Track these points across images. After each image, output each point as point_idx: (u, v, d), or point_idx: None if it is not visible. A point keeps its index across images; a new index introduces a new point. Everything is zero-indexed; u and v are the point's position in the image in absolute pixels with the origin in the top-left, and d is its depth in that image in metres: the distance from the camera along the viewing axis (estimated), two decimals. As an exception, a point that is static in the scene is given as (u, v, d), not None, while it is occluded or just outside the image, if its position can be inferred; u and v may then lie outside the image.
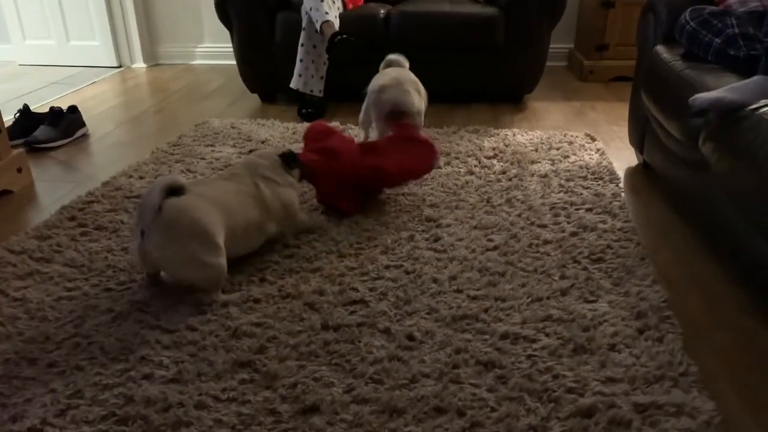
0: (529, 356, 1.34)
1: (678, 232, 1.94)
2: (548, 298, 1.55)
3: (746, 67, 1.75)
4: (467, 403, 1.22)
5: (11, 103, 3.30)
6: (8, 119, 2.74)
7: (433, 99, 3.30)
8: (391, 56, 2.56)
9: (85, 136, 2.87)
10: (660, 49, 2.13)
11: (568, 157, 2.45)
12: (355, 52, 2.84)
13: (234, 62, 3.37)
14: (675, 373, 1.28)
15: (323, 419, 1.19)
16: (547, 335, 1.41)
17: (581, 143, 2.60)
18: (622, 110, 3.13)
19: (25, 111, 2.77)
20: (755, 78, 1.59)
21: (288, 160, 1.85)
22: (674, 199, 2.12)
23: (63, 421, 1.19)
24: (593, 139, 2.65)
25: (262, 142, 2.67)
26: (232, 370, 1.32)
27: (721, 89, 1.59)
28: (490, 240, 1.83)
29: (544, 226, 1.91)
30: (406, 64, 2.57)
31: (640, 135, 2.34)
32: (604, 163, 2.39)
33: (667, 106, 1.97)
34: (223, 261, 1.56)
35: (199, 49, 4.33)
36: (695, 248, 1.84)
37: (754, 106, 1.50)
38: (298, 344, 1.40)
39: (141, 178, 2.31)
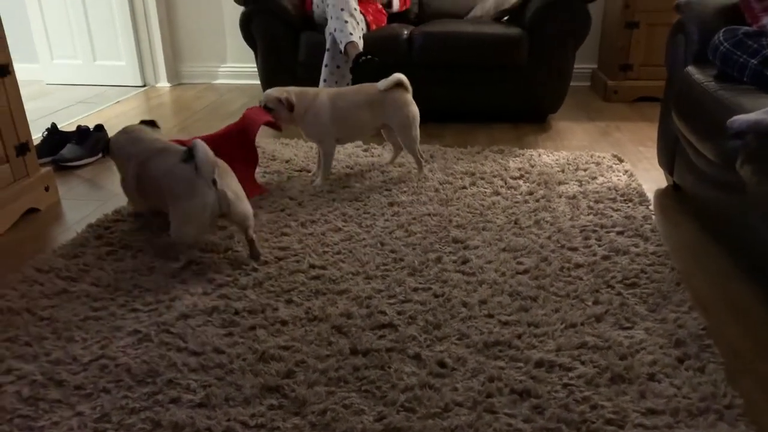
0: (565, 385, 1.30)
1: (711, 255, 1.89)
2: (582, 324, 1.51)
3: (784, 88, 1.71)
4: (503, 434, 1.18)
5: (39, 122, 3.35)
6: (36, 137, 2.77)
7: (455, 118, 3.31)
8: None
9: (110, 154, 2.89)
10: (691, 69, 2.10)
11: (595, 178, 2.42)
12: (379, 71, 2.83)
13: (256, 82, 3.40)
14: (720, 406, 1.23)
15: (354, 448, 1.15)
16: (582, 363, 1.37)
17: (608, 164, 2.56)
18: (648, 131, 3.10)
19: (52, 130, 2.80)
20: (795, 100, 1.56)
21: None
22: (707, 221, 2.08)
23: (90, 445, 1.17)
24: (620, 160, 2.61)
25: (287, 162, 2.67)
26: (261, 395, 1.30)
27: (760, 111, 1.55)
28: (520, 263, 1.80)
29: (574, 249, 1.87)
30: None
31: (670, 156, 2.30)
32: (633, 184, 2.35)
33: (700, 127, 1.93)
34: None
35: (222, 69, 4.37)
36: (730, 273, 1.79)
37: (795, 129, 1.46)
38: (326, 369, 1.37)
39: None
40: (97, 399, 1.29)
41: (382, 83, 2.35)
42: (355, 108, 2.36)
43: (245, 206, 1.81)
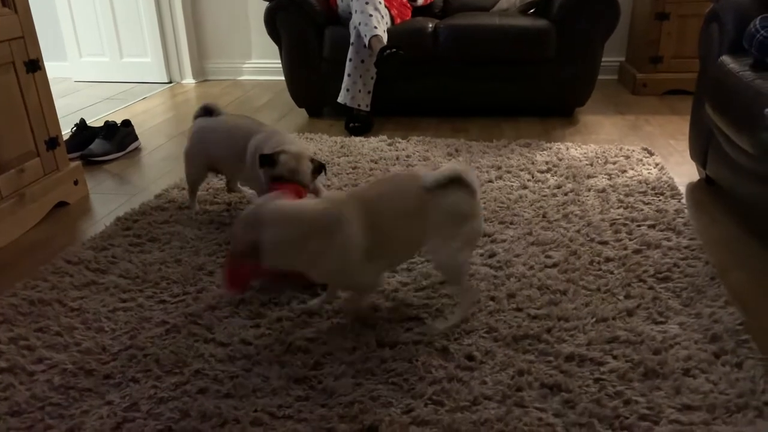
0: (596, 380, 1.27)
1: (748, 250, 1.84)
2: (614, 318, 1.47)
3: (824, 76, 1.65)
4: (533, 428, 1.15)
5: (67, 118, 3.39)
6: (65, 133, 2.81)
7: (480, 113, 3.27)
8: None
9: (137, 149, 2.93)
10: (726, 59, 2.04)
11: (625, 171, 2.37)
12: (403, 65, 2.82)
13: (281, 78, 3.41)
14: (759, 402, 1.19)
15: (382, 440, 1.14)
16: (614, 358, 1.34)
17: (638, 157, 2.51)
18: (679, 124, 3.03)
19: (81, 125, 2.84)
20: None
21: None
22: (743, 215, 2.02)
23: (119, 434, 1.18)
24: (651, 154, 2.56)
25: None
26: (288, 386, 1.29)
27: (801, 99, 1.50)
28: (549, 256, 1.77)
29: (605, 243, 1.83)
30: None
31: (703, 149, 2.24)
32: (664, 178, 2.30)
33: (735, 118, 1.88)
34: None
35: (246, 65, 4.39)
36: (767, 267, 1.74)
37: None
38: (353, 361, 1.36)
39: (193, 190, 2.33)
40: (126, 388, 1.30)
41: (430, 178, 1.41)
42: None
43: None
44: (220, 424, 1.19)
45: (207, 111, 2.08)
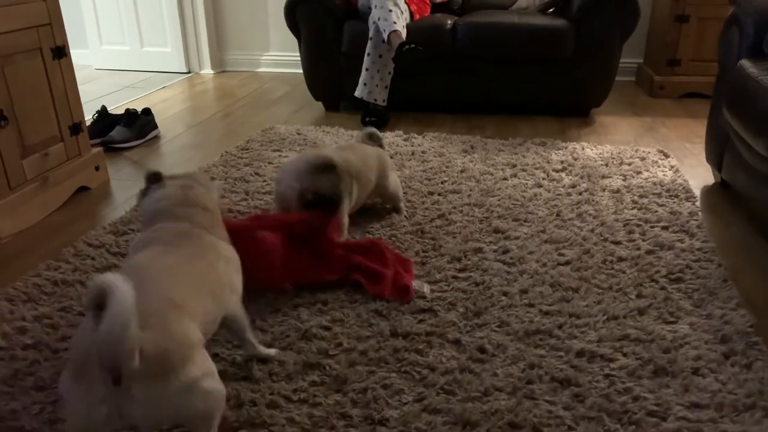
0: (606, 375, 1.29)
1: (762, 253, 1.85)
2: (625, 317, 1.49)
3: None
4: (543, 420, 1.18)
5: (88, 105, 3.43)
6: (86, 120, 2.86)
7: (497, 110, 3.29)
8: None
9: (157, 137, 2.97)
10: (745, 63, 2.04)
11: (640, 173, 2.38)
12: (421, 61, 2.84)
13: (298, 71, 3.44)
14: (767, 403, 1.21)
15: (394, 427, 1.17)
16: (624, 355, 1.36)
17: (654, 159, 2.52)
18: (695, 127, 3.03)
19: (102, 112, 2.88)
20: None
21: None
22: (758, 219, 2.02)
23: (140, 412, 1.22)
24: (666, 156, 2.56)
25: (327, 149, 2.69)
26: (303, 371, 1.32)
27: (819, 105, 1.51)
28: (562, 254, 1.79)
29: (618, 243, 1.85)
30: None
31: (719, 153, 2.25)
32: (679, 180, 2.30)
33: (753, 122, 1.88)
34: None
35: (264, 58, 4.42)
36: (781, 272, 1.75)
37: None
38: (367, 350, 1.39)
39: (212, 179, 2.36)
40: (146, 368, 1.34)
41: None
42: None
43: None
44: (237, 406, 1.22)
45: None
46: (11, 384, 1.29)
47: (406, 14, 3.08)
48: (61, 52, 2.16)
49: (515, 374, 1.30)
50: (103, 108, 2.90)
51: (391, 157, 2.58)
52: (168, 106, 3.54)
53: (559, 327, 1.45)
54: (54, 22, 2.12)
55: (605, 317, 1.49)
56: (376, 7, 2.97)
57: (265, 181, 2.35)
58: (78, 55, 4.50)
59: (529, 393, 1.25)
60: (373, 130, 2.16)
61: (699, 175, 2.43)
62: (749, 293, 1.64)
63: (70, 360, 0.95)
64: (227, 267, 1.24)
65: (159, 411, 0.94)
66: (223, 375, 1.31)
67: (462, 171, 2.42)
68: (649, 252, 1.79)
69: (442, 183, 2.32)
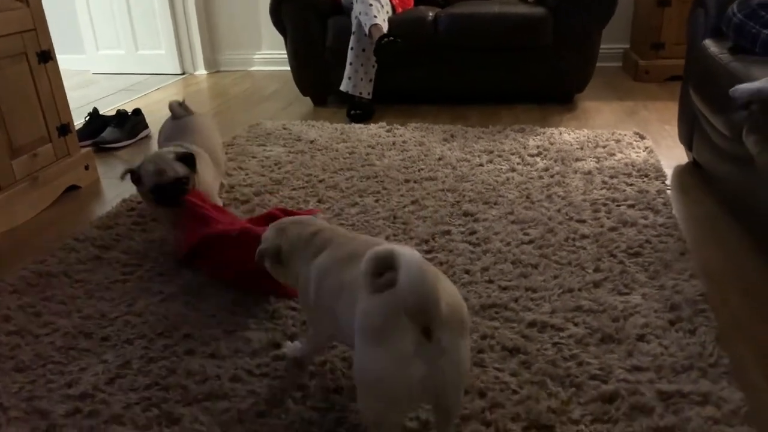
0: (555, 344, 1.35)
1: (725, 228, 1.89)
2: (580, 289, 1.55)
3: (796, 57, 1.69)
4: (489, 386, 1.24)
5: (84, 108, 3.53)
6: (80, 122, 2.96)
7: (480, 100, 3.34)
8: None
9: (147, 137, 3.06)
10: (708, 42, 2.08)
11: (614, 155, 2.42)
12: (402, 53, 2.90)
13: (288, 68, 3.50)
14: (704, 364, 1.26)
15: (348, 395, 1.24)
16: (575, 324, 1.42)
17: (629, 141, 2.56)
18: (675, 110, 3.04)
19: (94, 114, 2.98)
20: (802, 68, 1.55)
21: None
22: (722, 195, 2.07)
23: (112, 388, 1.30)
24: (642, 138, 2.61)
25: (311, 142, 2.76)
26: (268, 348, 1.40)
27: (764, 80, 1.55)
28: (526, 234, 1.84)
29: (582, 222, 1.90)
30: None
31: (689, 132, 2.29)
32: (652, 160, 2.35)
33: (713, 100, 1.93)
34: None
35: (257, 56, 4.51)
36: (741, 244, 1.79)
37: (798, 96, 1.46)
38: (330, 327, 1.45)
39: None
40: (121, 349, 1.42)
41: None
42: None
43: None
44: (203, 381, 1.30)
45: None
46: (-6, 366, 1.37)
47: (388, 8, 3.14)
48: (46, 56, 2.25)
49: (468, 345, 1.36)
50: (95, 110, 2.99)
51: (372, 148, 2.65)
52: (162, 107, 3.62)
53: (515, 300, 1.51)
54: (39, 27, 2.21)
55: (561, 290, 1.54)
56: (357, 2, 3.03)
57: (247, 174, 2.43)
58: (75, 61, 4.63)
59: (479, 361, 1.31)
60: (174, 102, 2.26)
61: (674, 156, 2.47)
62: (708, 265, 1.69)
63: (360, 331, 0.95)
64: None
65: (464, 367, 0.95)
66: (192, 353, 1.39)
67: (439, 159, 2.48)
68: (612, 229, 1.84)
69: (419, 171, 2.38)
